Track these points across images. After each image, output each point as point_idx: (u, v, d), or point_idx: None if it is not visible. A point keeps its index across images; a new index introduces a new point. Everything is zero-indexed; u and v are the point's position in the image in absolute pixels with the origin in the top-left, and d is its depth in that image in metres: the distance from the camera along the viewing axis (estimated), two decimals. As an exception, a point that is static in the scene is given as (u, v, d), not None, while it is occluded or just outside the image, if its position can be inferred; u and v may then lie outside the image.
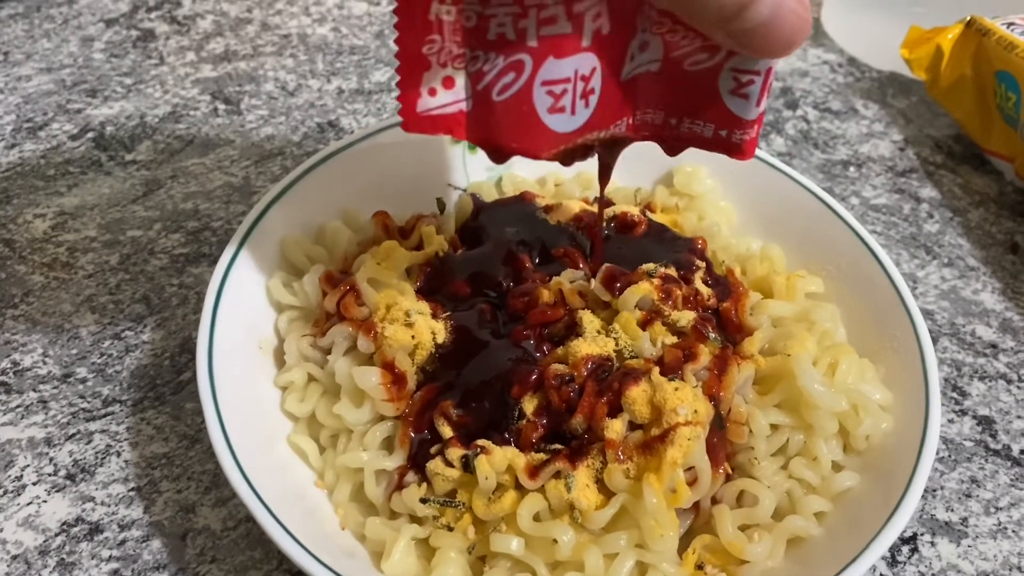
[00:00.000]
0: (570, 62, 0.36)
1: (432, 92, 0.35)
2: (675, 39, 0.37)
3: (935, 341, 0.58)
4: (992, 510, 0.50)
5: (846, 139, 0.72)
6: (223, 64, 0.74)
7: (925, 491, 0.50)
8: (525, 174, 0.59)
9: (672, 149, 0.41)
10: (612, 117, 0.39)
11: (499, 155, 0.38)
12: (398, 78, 0.35)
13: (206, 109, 0.70)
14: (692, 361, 0.43)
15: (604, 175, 0.45)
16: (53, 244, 0.59)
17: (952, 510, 0.50)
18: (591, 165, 0.58)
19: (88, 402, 0.51)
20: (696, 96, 0.38)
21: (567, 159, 0.40)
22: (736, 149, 0.40)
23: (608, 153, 0.43)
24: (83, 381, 0.52)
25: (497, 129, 0.37)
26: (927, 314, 0.60)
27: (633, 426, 0.42)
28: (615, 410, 0.42)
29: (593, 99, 0.37)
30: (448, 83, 0.35)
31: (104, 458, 0.49)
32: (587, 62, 0.36)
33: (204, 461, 0.49)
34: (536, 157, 0.38)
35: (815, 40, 0.82)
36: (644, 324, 0.45)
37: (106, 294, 0.56)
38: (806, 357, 0.44)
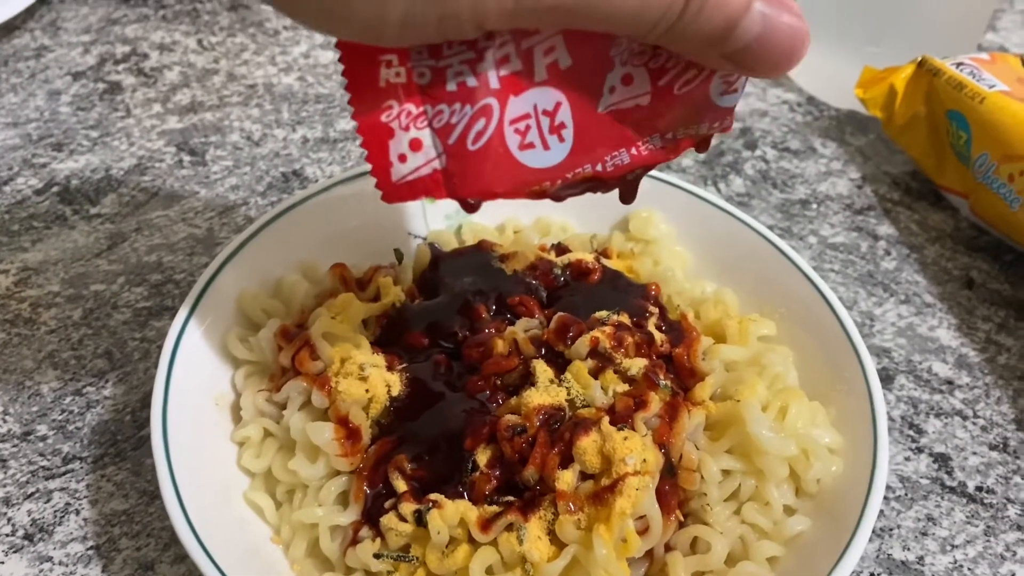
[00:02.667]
0: (527, 97, 0.36)
1: (402, 158, 0.35)
2: (658, 65, 0.37)
3: (892, 379, 0.59)
4: (948, 548, 0.50)
5: (804, 178, 0.73)
6: (189, 115, 0.75)
7: (882, 530, 0.51)
8: (484, 221, 0.60)
9: (671, 156, 0.41)
10: (603, 150, 0.39)
11: (472, 206, 0.38)
12: (367, 154, 0.34)
13: (171, 161, 0.70)
14: (643, 409, 0.44)
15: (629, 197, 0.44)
16: (16, 300, 0.59)
17: (908, 549, 0.50)
18: (550, 210, 0.60)
19: (48, 460, 0.51)
20: (690, 109, 0.38)
21: (563, 195, 0.40)
22: (725, 130, 0.40)
23: (627, 186, 0.42)
24: (43, 439, 0.52)
25: (477, 178, 0.36)
26: (884, 351, 0.60)
27: (585, 476, 0.42)
28: (567, 460, 0.42)
29: (567, 133, 0.37)
30: (415, 145, 0.35)
31: (63, 516, 0.49)
32: (547, 96, 0.36)
33: (164, 517, 0.49)
34: (516, 197, 0.38)
35: (774, 80, 0.83)
36: (596, 372, 0.46)
37: (68, 350, 0.57)
38: (755, 402, 0.45)
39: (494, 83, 0.34)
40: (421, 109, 0.34)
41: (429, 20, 0.30)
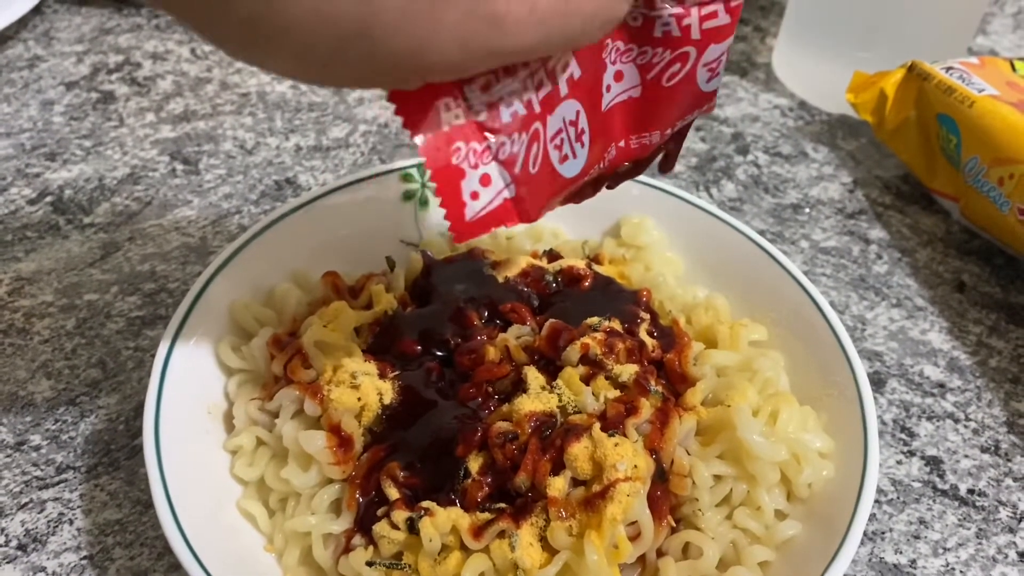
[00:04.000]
0: (558, 113, 0.37)
1: (475, 196, 0.35)
2: (645, 61, 0.39)
3: (884, 382, 0.59)
4: (940, 551, 0.50)
5: (796, 183, 0.74)
6: (182, 124, 0.75)
7: (874, 534, 0.51)
8: (477, 228, 0.60)
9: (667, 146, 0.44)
10: (604, 147, 0.41)
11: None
12: (440, 200, 0.34)
13: (164, 170, 0.70)
14: (634, 415, 0.44)
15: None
16: (9, 310, 0.59)
17: (901, 552, 0.50)
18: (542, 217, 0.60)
19: (41, 470, 0.51)
20: (682, 102, 0.41)
21: (577, 199, 0.43)
22: (709, 110, 0.43)
23: (618, 181, 0.45)
24: (37, 448, 0.52)
25: (538, 199, 0.38)
26: (876, 355, 0.61)
27: (576, 482, 0.43)
28: (558, 467, 0.43)
29: (586, 138, 0.39)
30: (485, 181, 0.35)
31: (57, 527, 0.49)
32: (570, 108, 0.38)
33: (157, 527, 0.48)
34: (552, 208, 0.40)
35: (766, 85, 0.83)
36: (587, 379, 0.46)
37: (62, 359, 0.57)
38: (745, 408, 0.45)
39: (536, 107, 0.36)
40: (485, 144, 0.35)
41: (358, 58, 0.29)
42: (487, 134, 0.34)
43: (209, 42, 0.30)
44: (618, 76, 0.39)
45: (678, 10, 0.38)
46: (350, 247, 0.56)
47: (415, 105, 0.33)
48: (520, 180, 0.36)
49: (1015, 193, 0.62)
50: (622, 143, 0.42)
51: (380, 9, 0.27)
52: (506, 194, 0.36)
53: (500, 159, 0.35)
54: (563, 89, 0.37)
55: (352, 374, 0.46)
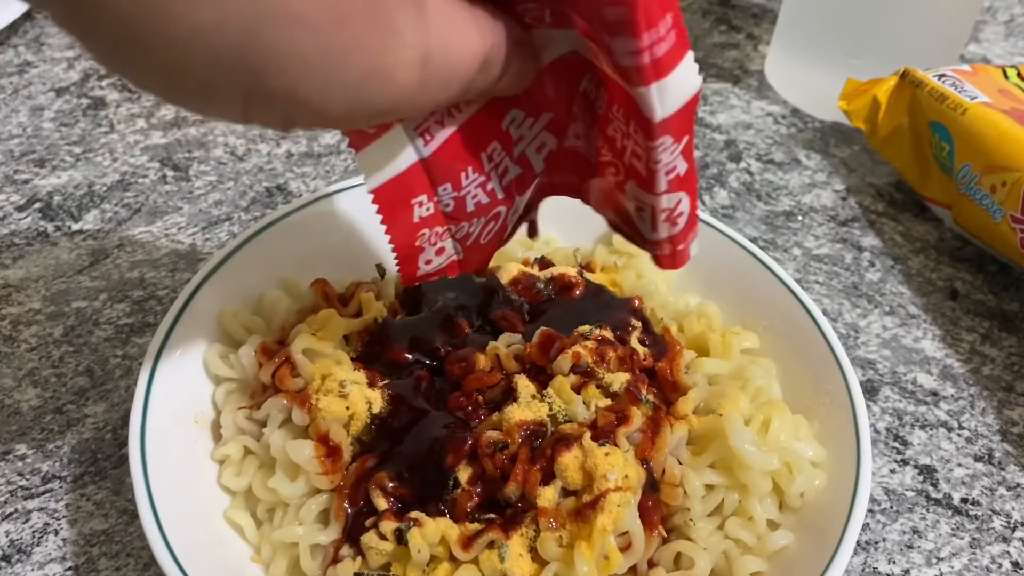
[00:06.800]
0: (530, 189, 0.41)
1: (428, 262, 0.40)
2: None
3: (877, 391, 0.59)
4: (934, 560, 0.50)
5: (789, 190, 0.74)
6: (173, 130, 0.75)
7: (867, 543, 0.51)
8: (468, 236, 0.60)
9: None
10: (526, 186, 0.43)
11: None
12: (396, 262, 0.40)
13: (155, 176, 0.70)
14: (625, 424, 0.44)
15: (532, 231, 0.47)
16: (-4, 318, 0.59)
17: (894, 562, 0.50)
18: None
19: (27, 479, 0.51)
20: (568, 171, 0.42)
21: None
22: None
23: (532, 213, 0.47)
24: (22, 458, 0.52)
25: (482, 257, 0.43)
26: (869, 363, 0.60)
27: (566, 492, 0.42)
28: (549, 477, 0.42)
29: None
30: (440, 252, 0.40)
31: (41, 537, 0.48)
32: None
33: (143, 537, 0.48)
34: None
35: (759, 92, 0.83)
36: (578, 388, 0.46)
37: (49, 367, 0.56)
38: (737, 416, 0.45)
39: (500, 194, 0.39)
40: (446, 228, 0.39)
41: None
42: (450, 221, 0.39)
43: (76, 39, 0.27)
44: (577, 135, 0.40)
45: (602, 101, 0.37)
46: (340, 254, 0.56)
47: (394, 204, 0.38)
48: (468, 248, 0.41)
49: (1007, 201, 0.62)
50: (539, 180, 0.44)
51: (267, 47, 0.26)
52: (455, 258, 0.41)
53: (456, 237, 0.40)
54: (537, 167, 0.40)
55: (341, 383, 0.45)
